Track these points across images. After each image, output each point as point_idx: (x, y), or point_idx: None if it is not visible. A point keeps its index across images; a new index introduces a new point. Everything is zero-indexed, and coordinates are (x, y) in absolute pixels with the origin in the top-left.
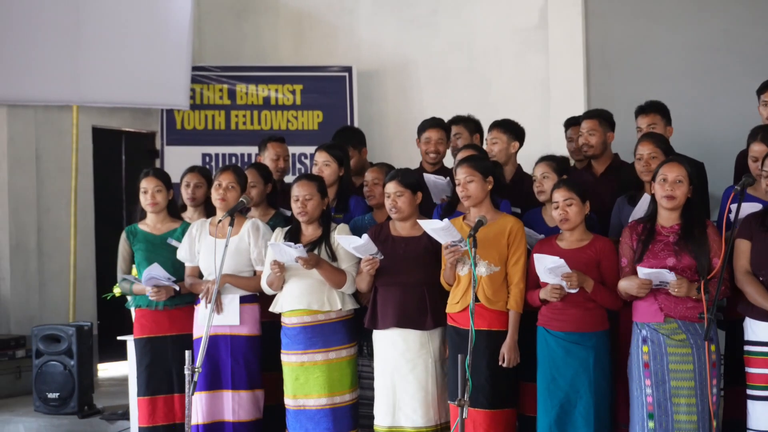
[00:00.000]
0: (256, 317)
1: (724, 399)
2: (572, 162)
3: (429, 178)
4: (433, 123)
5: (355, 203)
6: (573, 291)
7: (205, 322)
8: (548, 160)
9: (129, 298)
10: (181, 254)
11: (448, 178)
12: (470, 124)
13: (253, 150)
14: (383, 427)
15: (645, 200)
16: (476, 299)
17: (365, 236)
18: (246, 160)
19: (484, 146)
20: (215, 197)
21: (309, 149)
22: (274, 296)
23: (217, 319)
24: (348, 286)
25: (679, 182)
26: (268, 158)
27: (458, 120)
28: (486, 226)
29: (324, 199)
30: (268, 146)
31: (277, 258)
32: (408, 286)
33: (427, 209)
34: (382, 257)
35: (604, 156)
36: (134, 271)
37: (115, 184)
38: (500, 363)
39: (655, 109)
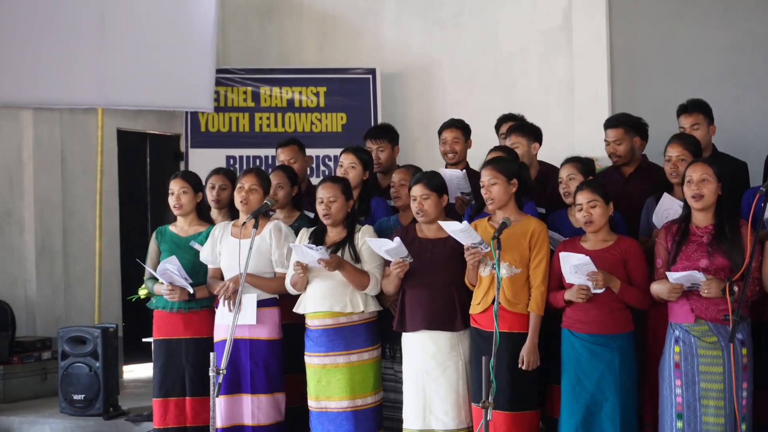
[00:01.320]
0: (275, 321)
1: (756, 402)
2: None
3: (445, 173)
4: (447, 123)
5: (376, 205)
6: (599, 291)
7: (225, 322)
8: (573, 161)
9: (153, 298)
10: (204, 256)
11: (464, 170)
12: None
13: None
14: (414, 430)
15: (666, 201)
16: (498, 301)
17: (397, 239)
18: (270, 162)
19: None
20: (237, 200)
21: (333, 151)
22: (298, 297)
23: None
24: (371, 288)
25: (704, 181)
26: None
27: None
28: (508, 228)
29: (349, 201)
30: (278, 153)
31: (299, 259)
32: (436, 287)
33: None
34: (412, 260)
35: (632, 160)
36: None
37: (140, 187)
38: (520, 366)
39: (697, 107)
